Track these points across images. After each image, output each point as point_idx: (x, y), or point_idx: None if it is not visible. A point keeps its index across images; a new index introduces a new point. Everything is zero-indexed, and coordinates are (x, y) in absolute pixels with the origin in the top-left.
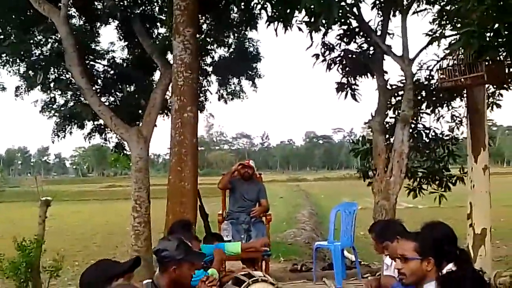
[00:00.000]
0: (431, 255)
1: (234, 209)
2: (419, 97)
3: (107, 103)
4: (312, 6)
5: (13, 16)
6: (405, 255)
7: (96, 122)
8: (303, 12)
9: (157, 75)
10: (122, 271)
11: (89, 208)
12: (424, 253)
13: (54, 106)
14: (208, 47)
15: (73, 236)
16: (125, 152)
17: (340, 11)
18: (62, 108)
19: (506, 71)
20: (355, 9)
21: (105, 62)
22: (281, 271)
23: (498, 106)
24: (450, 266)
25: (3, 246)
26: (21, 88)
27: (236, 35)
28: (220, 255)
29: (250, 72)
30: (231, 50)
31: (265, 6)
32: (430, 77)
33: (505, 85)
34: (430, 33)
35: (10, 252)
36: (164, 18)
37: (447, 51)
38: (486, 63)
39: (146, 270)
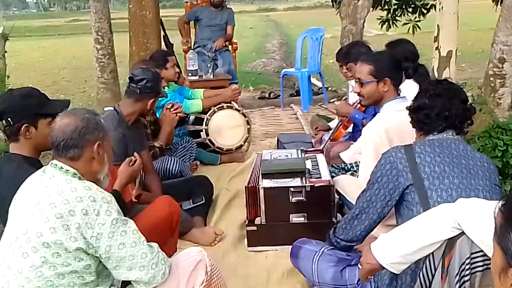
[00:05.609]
0: (387, 75)
1: (202, 37)
2: None
3: None
4: None
5: None
6: (361, 79)
7: None
8: None
9: None
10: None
11: (54, 43)
12: (380, 75)
13: None
14: None
15: (40, 72)
16: None
17: None
18: None
19: None
20: None
21: None
22: (250, 99)
23: None
24: (409, 82)
25: None
26: None
27: None
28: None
29: None
30: None
31: None
32: None
33: None
34: None
35: None
36: None
37: None
38: None
39: (115, 101)
